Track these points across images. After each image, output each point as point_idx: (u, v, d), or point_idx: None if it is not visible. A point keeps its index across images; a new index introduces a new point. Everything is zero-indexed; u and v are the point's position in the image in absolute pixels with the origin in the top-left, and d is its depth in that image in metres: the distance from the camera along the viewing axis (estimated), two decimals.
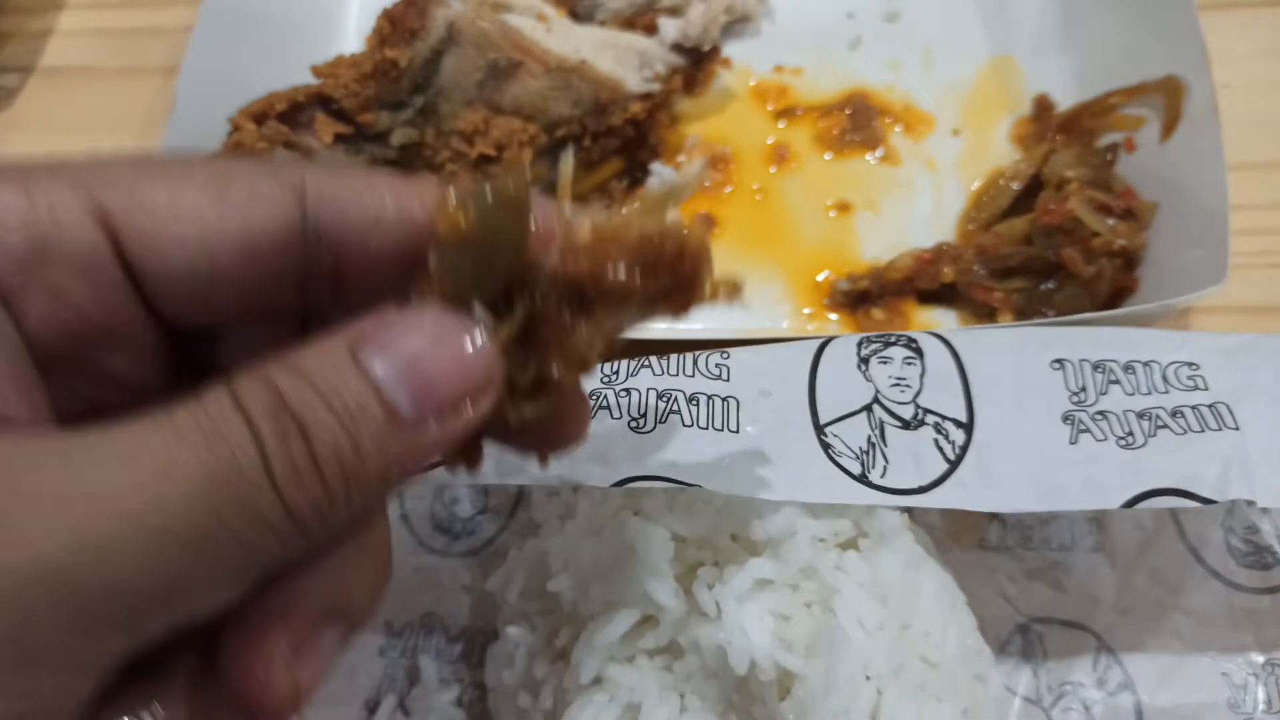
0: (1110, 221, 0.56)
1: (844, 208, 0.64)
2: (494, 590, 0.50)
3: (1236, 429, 0.41)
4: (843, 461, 0.43)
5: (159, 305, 0.28)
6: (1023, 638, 0.50)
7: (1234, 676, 0.47)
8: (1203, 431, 0.42)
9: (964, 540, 0.52)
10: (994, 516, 0.52)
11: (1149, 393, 0.44)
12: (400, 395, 0.25)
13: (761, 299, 0.62)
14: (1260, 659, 0.47)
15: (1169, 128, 0.57)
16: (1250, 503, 0.40)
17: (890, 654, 0.40)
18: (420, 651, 0.53)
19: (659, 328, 0.60)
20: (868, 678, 0.40)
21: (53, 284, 0.26)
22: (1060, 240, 0.56)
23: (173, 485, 0.22)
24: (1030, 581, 0.51)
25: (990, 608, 0.51)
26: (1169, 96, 0.58)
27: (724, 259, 0.63)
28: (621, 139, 0.65)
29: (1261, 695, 0.47)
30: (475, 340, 0.26)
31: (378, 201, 0.29)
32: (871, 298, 0.60)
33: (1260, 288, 0.60)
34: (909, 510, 0.52)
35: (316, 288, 0.30)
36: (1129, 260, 0.56)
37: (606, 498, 0.49)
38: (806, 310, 0.61)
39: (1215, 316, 0.58)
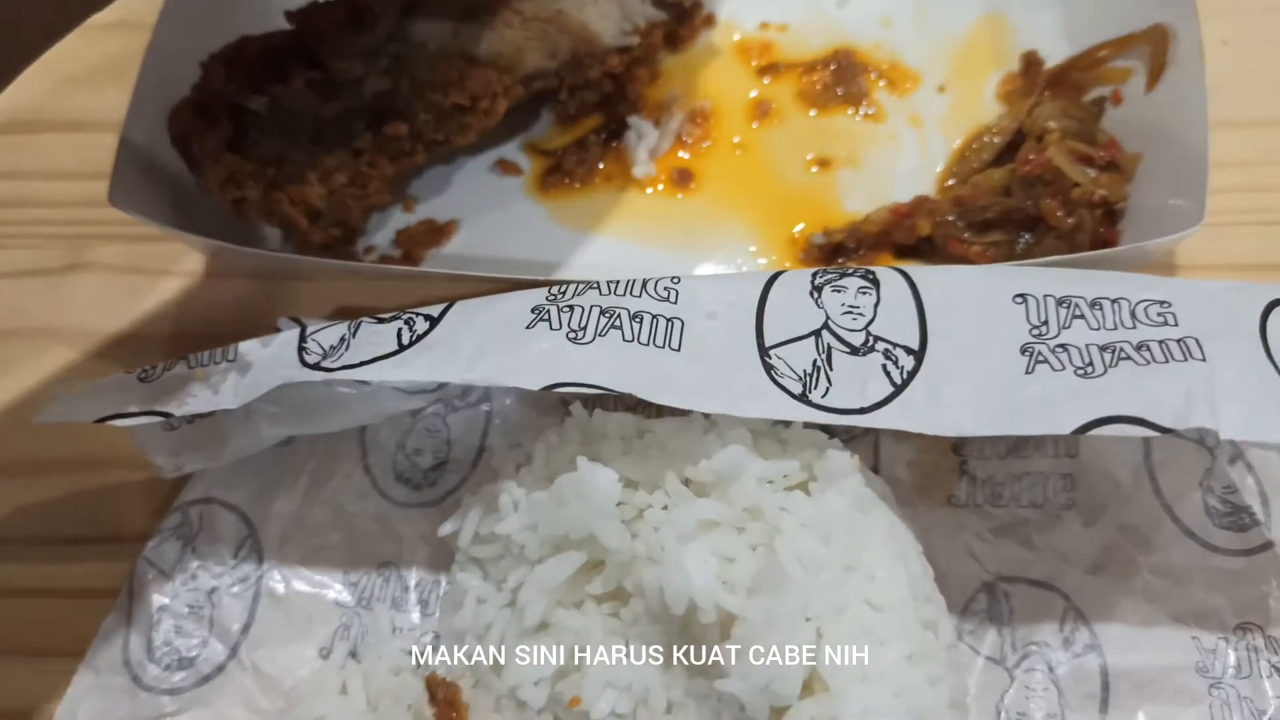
0: (1091, 172, 0.54)
1: (825, 163, 0.63)
2: (446, 536, 0.49)
3: (1204, 360, 0.40)
4: (784, 382, 0.42)
5: None
6: (989, 596, 0.49)
7: (1204, 640, 0.45)
8: (1167, 362, 0.40)
9: (932, 496, 0.51)
10: (963, 472, 0.51)
11: (1115, 328, 0.42)
12: None
13: (735, 252, 0.60)
14: (1233, 622, 0.45)
15: (1154, 76, 0.55)
16: (1212, 434, 0.38)
17: (831, 594, 0.39)
18: (376, 600, 0.52)
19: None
20: (808, 619, 0.39)
21: None
22: (1040, 191, 0.54)
23: None
24: (999, 539, 0.50)
25: (957, 565, 0.49)
26: (1155, 45, 0.56)
27: (700, 213, 0.62)
28: (600, 93, 0.64)
29: (1232, 659, 0.45)
30: None
31: None
32: (847, 251, 0.58)
33: (1253, 244, 0.58)
34: (874, 468, 0.50)
35: None
36: (1110, 212, 0.54)
37: (564, 445, 0.49)
38: (785, 265, 0.60)
39: (1204, 274, 0.56)
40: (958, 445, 0.51)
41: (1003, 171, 0.56)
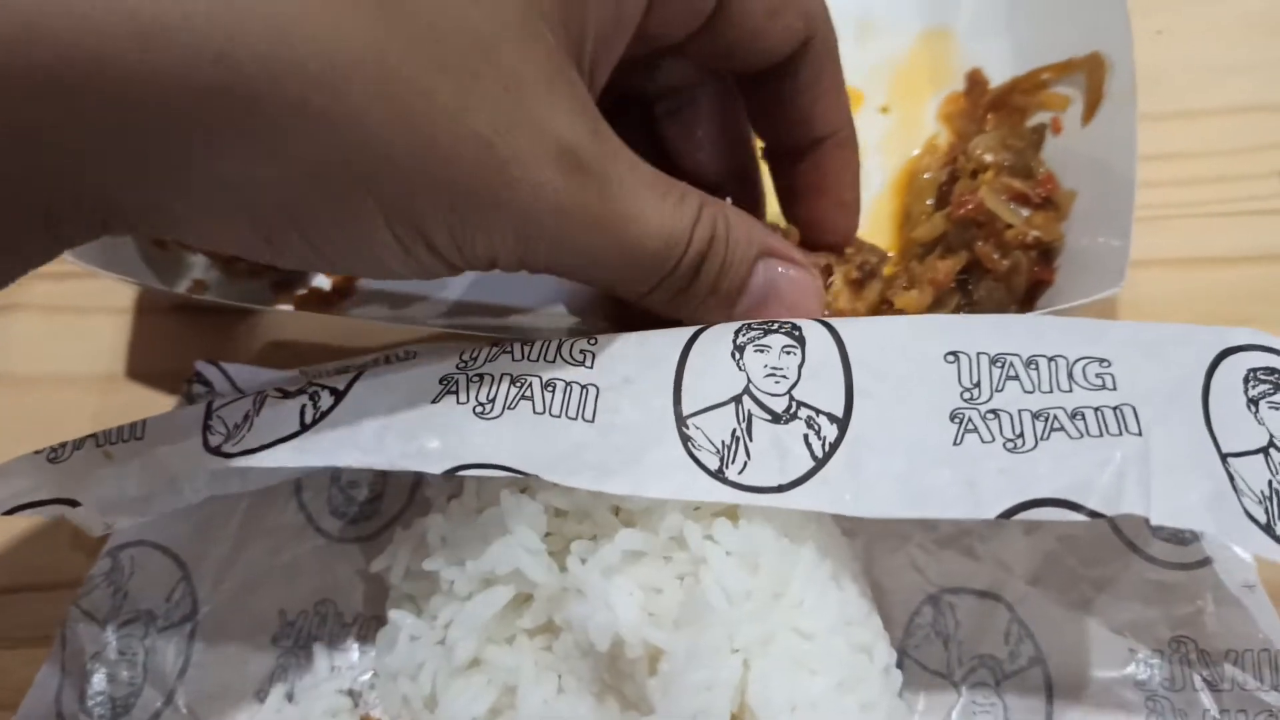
0: (1025, 212, 0.53)
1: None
2: (378, 572, 0.48)
3: (1139, 434, 0.37)
4: (701, 456, 0.39)
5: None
6: (934, 609, 0.48)
7: (1140, 653, 0.45)
8: (1101, 436, 0.37)
9: None
10: None
11: (1050, 390, 0.39)
12: (749, 299, 0.44)
13: None
14: (1167, 635, 0.45)
15: (1090, 109, 0.54)
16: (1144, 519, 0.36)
17: (758, 625, 0.38)
18: (314, 639, 0.52)
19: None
20: (734, 650, 0.38)
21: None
22: (974, 234, 0.53)
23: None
24: (942, 550, 0.49)
25: (901, 578, 0.49)
26: (1091, 75, 0.54)
27: None
28: None
29: (1165, 673, 0.44)
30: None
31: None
32: None
33: (1193, 238, 0.57)
34: None
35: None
36: (1046, 252, 0.53)
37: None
38: None
39: (1146, 270, 0.55)
40: None
41: (941, 215, 0.55)
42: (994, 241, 0.53)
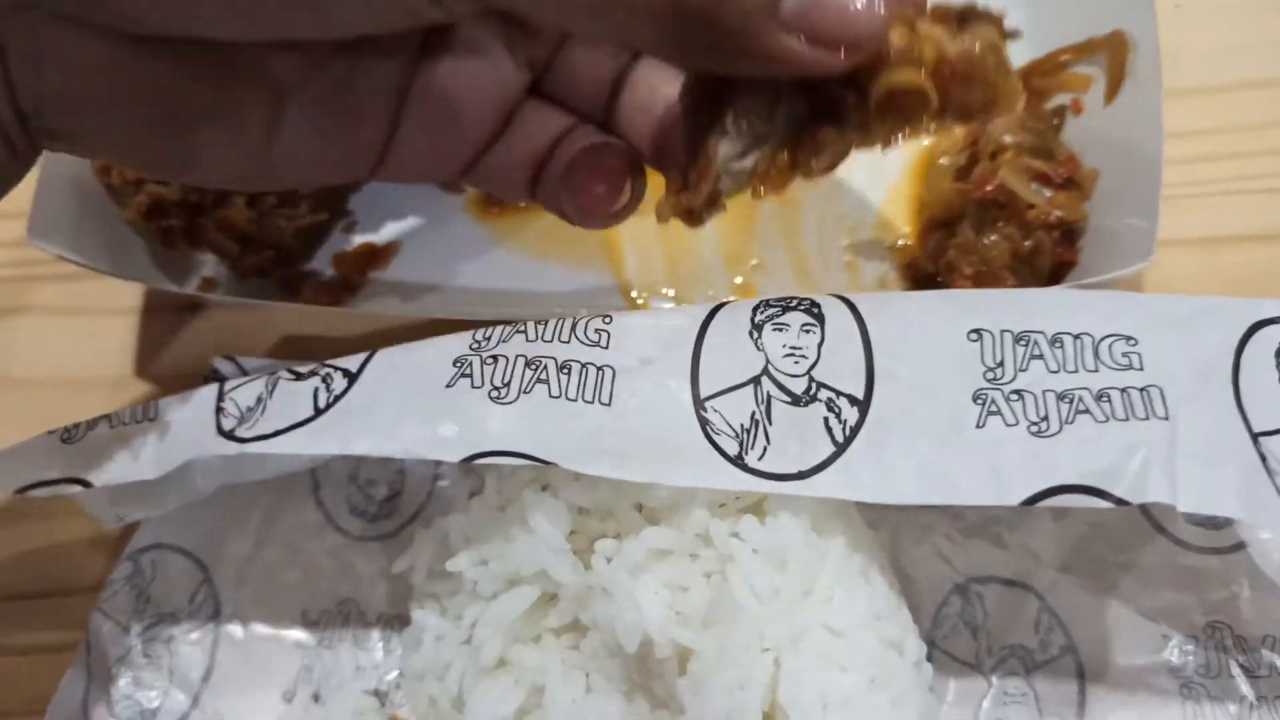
0: (1047, 193, 0.52)
1: None
2: (401, 573, 0.48)
3: (1166, 418, 0.37)
4: (720, 440, 0.39)
5: None
6: (962, 599, 0.48)
7: (1174, 639, 0.44)
8: (1127, 420, 0.37)
9: None
10: None
11: (1075, 370, 0.38)
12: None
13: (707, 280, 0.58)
14: (1202, 620, 0.44)
15: (1113, 88, 0.53)
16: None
17: (787, 623, 0.38)
18: (338, 639, 0.51)
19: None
20: (765, 649, 0.37)
21: None
22: (995, 215, 0.52)
23: None
24: (969, 539, 0.48)
25: (927, 568, 0.48)
26: (1113, 54, 0.53)
27: (658, 236, 0.59)
28: None
29: (1200, 659, 0.44)
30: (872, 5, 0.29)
31: None
32: None
33: (1217, 217, 0.56)
34: None
35: None
36: (1069, 233, 0.52)
37: (515, 472, 0.47)
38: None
39: (1169, 250, 0.54)
40: None
41: (954, 188, 0.54)
42: (1016, 222, 0.52)
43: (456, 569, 0.44)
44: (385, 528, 0.53)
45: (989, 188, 0.53)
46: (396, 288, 0.60)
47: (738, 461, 0.39)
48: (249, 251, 0.56)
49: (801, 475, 0.38)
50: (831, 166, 0.35)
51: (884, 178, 0.59)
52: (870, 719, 0.37)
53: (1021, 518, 0.48)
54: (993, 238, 0.52)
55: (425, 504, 0.53)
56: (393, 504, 0.53)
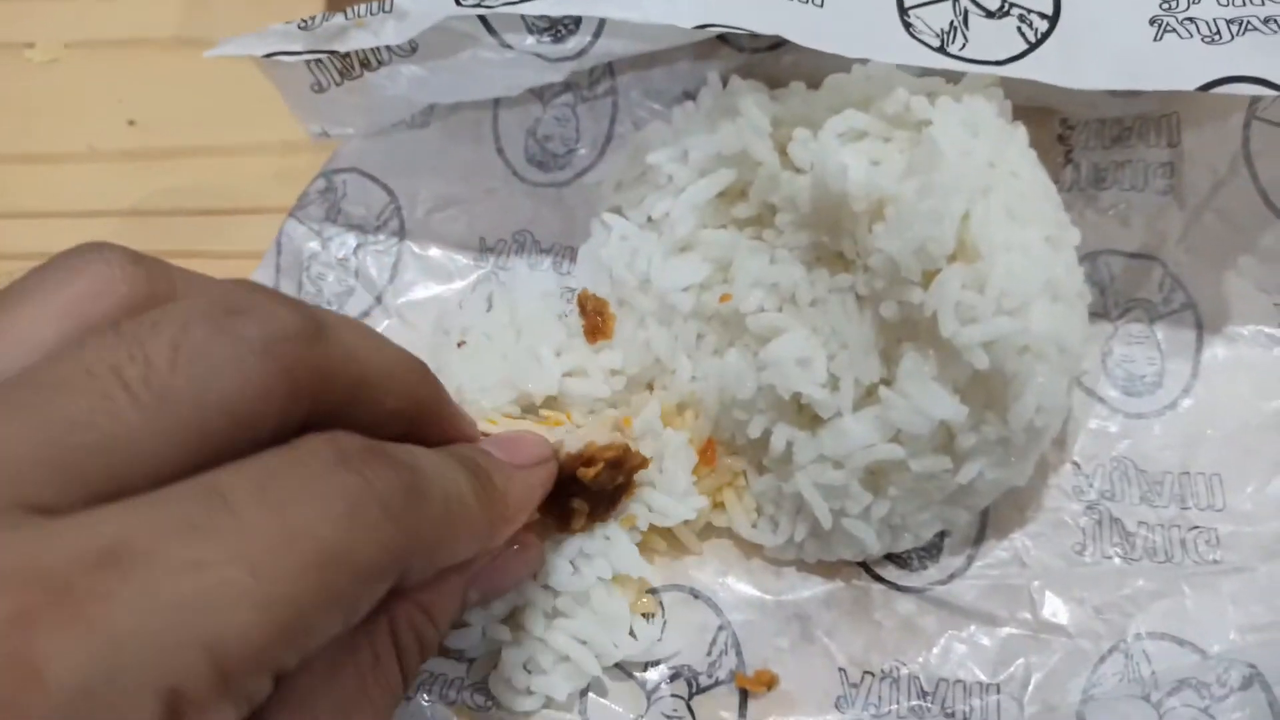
0: None
1: None
2: (592, 187, 0.53)
3: None
4: (923, 38, 0.45)
5: None
6: (1091, 264, 0.53)
7: None
8: None
9: None
10: (1068, 160, 0.54)
11: (1243, 4, 0.44)
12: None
13: None
14: None
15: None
16: None
17: (979, 177, 0.42)
18: (513, 259, 0.56)
19: None
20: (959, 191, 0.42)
21: None
22: None
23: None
24: (1100, 218, 0.53)
25: None
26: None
27: None
28: None
29: None
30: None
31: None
32: None
33: None
34: None
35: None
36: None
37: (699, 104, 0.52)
38: None
39: None
40: (1063, 134, 0.54)
41: None
42: None
43: (656, 161, 0.49)
44: (561, 176, 0.57)
45: None
46: None
47: (941, 50, 0.44)
48: None
49: (1000, 63, 0.44)
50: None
51: None
52: (1047, 270, 0.42)
53: (1151, 203, 0.53)
54: None
55: (598, 159, 0.58)
56: (568, 157, 0.58)
